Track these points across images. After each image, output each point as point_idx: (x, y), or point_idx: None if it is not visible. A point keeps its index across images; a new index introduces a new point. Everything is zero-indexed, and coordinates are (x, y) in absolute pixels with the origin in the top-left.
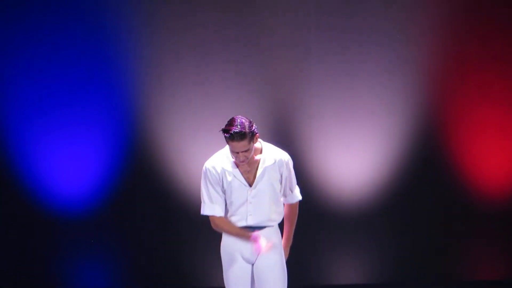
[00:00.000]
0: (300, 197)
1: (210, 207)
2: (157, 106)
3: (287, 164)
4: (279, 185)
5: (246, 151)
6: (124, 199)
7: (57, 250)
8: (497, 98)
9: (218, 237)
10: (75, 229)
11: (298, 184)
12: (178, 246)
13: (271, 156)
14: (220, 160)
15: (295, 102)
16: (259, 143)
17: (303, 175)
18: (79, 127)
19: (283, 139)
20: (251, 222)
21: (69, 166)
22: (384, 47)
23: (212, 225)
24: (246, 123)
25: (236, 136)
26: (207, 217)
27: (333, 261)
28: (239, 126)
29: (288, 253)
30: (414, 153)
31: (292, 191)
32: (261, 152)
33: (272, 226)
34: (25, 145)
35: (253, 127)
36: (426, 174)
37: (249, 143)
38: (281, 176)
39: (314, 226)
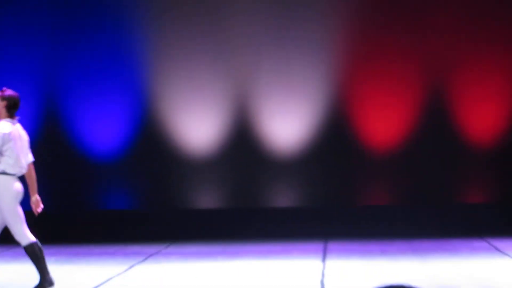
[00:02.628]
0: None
1: None
2: (162, 84)
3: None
4: None
5: None
6: (139, 148)
7: (93, 183)
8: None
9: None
10: (106, 168)
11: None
12: (175, 177)
13: None
14: None
15: (251, 76)
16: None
17: (254, 132)
18: (109, 98)
19: (244, 104)
20: None
21: (101, 126)
22: (310, 37)
23: None
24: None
25: None
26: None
27: (267, 185)
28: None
29: (36, 193)
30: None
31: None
32: None
33: None
34: (72, 112)
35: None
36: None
37: None
38: None
39: (262, 167)
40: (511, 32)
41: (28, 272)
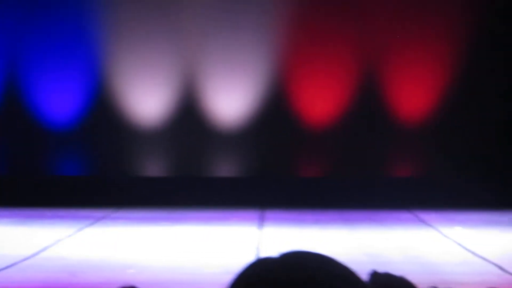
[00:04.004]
0: None
1: None
2: (116, 60)
3: None
4: None
5: None
6: (92, 119)
7: (48, 150)
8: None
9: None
10: (61, 137)
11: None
12: (125, 147)
13: None
14: None
15: (198, 55)
16: None
17: (199, 107)
18: (66, 72)
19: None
20: None
21: (58, 98)
22: (252, 19)
23: None
24: None
25: None
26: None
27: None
28: None
29: None
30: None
31: None
32: None
33: None
34: (31, 84)
35: None
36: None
37: None
38: None
39: (206, 138)
40: (442, 17)
41: None
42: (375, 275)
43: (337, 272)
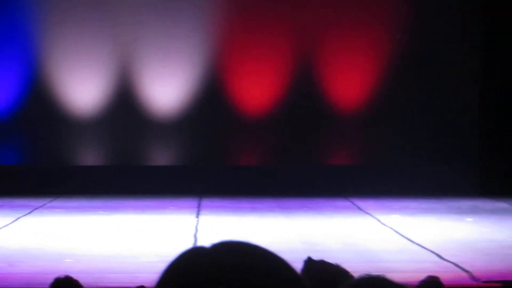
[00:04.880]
0: None
1: None
2: (52, 49)
3: None
4: None
5: None
6: (28, 108)
7: None
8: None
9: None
10: None
11: None
12: (62, 136)
13: None
14: None
15: (134, 43)
16: None
17: (135, 95)
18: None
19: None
20: None
21: None
22: (188, 7)
23: None
24: None
25: None
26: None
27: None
28: None
29: None
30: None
31: None
32: None
33: None
34: None
35: None
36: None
37: None
38: None
39: (143, 127)
40: (378, 4)
41: None
42: (309, 262)
43: (269, 262)
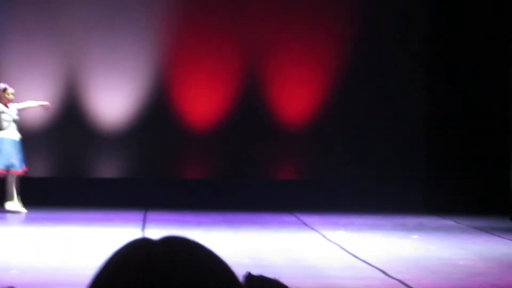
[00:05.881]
0: None
1: None
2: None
3: None
4: None
5: None
6: None
7: None
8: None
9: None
10: None
11: None
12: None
13: None
14: None
15: (81, 54)
16: None
17: (81, 106)
18: None
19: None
20: None
21: None
22: (136, 20)
23: None
24: None
25: None
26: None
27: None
28: None
29: None
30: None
31: None
32: None
33: None
34: None
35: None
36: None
37: None
38: None
39: (88, 139)
40: (325, 17)
41: None
42: (249, 277)
43: (213, 262)
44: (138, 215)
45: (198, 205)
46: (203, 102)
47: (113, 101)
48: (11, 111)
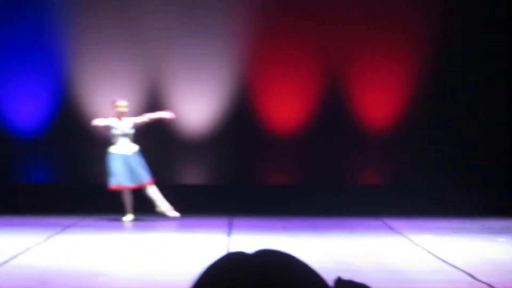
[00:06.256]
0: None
1: None
2: (80, 67)
3: None
4: None
5: None
6: (57, 126)
7: (15, 158)
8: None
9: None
10: (25, 144)
11: None
12: (87, 154)
13: None
14: None
15: (163, 62)
16: None
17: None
18: (31, 80)
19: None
20: None
21: (23, 105)
22: (217, 26)
23: None
24: None
25: None
26: None
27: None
28: None
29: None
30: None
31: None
32: None
33: None
34: None
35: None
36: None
37: None
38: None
39: (174, 145)
40: (408, 23)
41: None
42: (339, 282)
43: (306, 274)
44: (223, 221)
45: (283, 210)
46: (286, 108)
47: (196, 108)
48: (121, 125)
